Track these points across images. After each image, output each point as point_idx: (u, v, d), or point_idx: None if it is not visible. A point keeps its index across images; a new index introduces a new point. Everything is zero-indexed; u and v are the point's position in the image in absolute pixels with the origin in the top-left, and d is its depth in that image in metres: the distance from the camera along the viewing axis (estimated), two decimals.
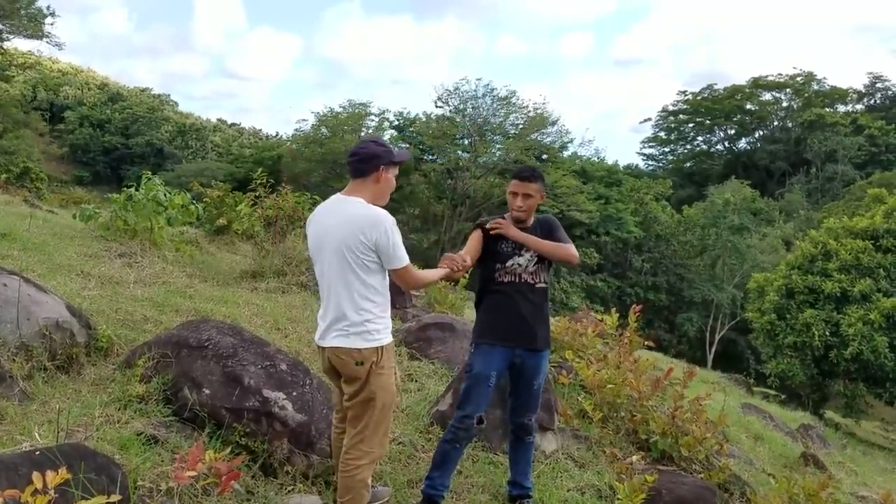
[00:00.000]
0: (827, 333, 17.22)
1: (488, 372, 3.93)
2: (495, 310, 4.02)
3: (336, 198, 3.40)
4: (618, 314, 7.33)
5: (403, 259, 3.27)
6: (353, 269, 3.22)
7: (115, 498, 2.50)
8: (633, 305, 6.72)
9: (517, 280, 3.99)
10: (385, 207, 3.35)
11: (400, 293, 7.67)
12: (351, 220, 3.23)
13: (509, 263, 3.98)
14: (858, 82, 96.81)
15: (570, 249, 3.99)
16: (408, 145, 37.96)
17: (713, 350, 36.77)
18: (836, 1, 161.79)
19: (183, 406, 3.90)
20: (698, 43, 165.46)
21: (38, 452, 2.74)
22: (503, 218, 4.09)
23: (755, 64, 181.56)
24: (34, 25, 41.44)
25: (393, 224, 3.23)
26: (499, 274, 4.00)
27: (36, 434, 3.33)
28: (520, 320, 3.96)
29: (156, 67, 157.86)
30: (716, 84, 68.54)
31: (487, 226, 3.97)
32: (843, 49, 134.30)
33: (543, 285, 4.05)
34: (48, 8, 42.27)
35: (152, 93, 73.21)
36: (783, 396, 18.85)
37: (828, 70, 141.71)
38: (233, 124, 79.38)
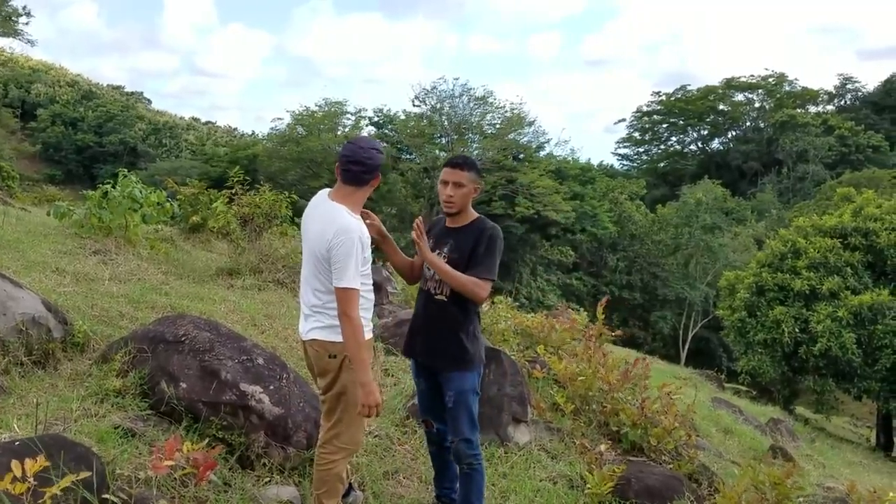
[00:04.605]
0: (796, 330, 17.49)
1: (416, 377, 3.86)
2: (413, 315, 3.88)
3: (323, 198, 3.34)
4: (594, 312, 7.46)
5: (350, 281, 3.10)
6: (326, 271, 3.20)
7: (85, 474, 2.57)
8: (602, 300, 6.84)
9: (424, 286, 3.72)
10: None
11: (377, 290, 7.72)
12: (328, 227, 3.17)
13: (425, 267, 3.72)
14: (827, 82, 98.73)
15: (474, 288, 3.44)
16: (385, 144, 37.94)
17: (686, 347, 37.28)
18: (802, 2, 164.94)
19: (160, 400, 3.94)
20: (668, 43, 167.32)
21: (17, 443, 2.78)
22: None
23: (725, 64, 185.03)
24: (8, 24, 40.84)
25: (362, 238, 3.16)
26: (421, 276, 3.78)
27: (15, 426, 3.36)
28: (415, 330, 3.76)
29: (125, 64, 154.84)
30: (689, 85, 69.80)
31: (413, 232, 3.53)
32: (811, 50, 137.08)
33: (443, 298, 3.58)
34: (24, 7, 41.79)
35: (124, 90, 72.35)
36: (754, 393, 19.16)
37: (796, 70, 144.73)
38: (207, 122, 78.55)
